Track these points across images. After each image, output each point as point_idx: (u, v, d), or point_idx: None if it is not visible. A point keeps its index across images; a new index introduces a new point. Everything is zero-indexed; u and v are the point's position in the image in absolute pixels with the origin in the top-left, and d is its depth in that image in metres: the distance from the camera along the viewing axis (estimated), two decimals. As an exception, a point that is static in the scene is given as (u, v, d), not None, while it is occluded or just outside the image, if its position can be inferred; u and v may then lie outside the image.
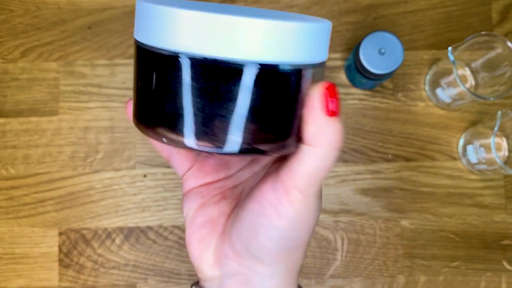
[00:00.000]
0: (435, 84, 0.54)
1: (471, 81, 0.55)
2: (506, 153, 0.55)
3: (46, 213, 0.54)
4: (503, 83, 0.50)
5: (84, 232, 0.54)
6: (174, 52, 0.20)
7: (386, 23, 0.56)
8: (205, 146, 0.21)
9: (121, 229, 0.54)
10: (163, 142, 0.21)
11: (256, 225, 0.23)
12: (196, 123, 0.20)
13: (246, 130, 0.21)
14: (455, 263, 0.54)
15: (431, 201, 0.54)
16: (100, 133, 0.55)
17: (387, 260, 0.54)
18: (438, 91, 0.53)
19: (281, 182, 0.23)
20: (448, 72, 0.51)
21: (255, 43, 0.19)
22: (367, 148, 0.55)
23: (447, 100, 0.53)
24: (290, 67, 0.20)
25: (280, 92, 0.21)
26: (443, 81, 0.52)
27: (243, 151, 0.21)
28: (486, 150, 0.51)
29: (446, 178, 0.55)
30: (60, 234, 0.54)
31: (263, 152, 0.22)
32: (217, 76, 0.20)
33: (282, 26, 0.19)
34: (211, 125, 0.20)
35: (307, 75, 0.22)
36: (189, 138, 0.21)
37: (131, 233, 0.54)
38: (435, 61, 0.56)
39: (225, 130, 0.20)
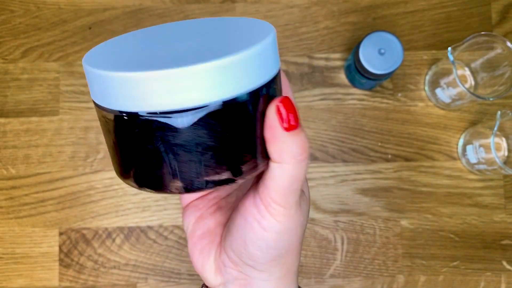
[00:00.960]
0: (434, 84, 0.54)
1: (470, 81, 0.55)
2: (506, 153, 0.55)
3: (46, 213, 0.55)
4: (502, 83, 0.50)
5: (84, 232, 0.54)
6: (129, 112, 0.19)
7: (386, 24, 0.56)
8: (180, 189, 0.21)
9: (121, 229, 0.54)
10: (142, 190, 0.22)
11: (245, 238, 0.24)
12: (167, 174, 0.20)
13: (213, 166, 0.20)
14: (454, 263, 0.54)
15: (430, 201, 0.54)
16: (100, 133, 0.55)
17: (386, 260, 0.54)
18: (438, 91, 0.53)
19: (260, 198, 0.24)
20: (447, 72, 0.51)
21: (197, 89, 0.19)
22: (367, 148, 0.55)
23: (447, 100, 0.53)
24: (241, 97, 0.20)
25: (236, 121, 0.20)
26: (443, 81, 0.52)
27: (217, 184, 0.21)
28: (485, 150, 0.51)
29: (446, 178, 0.55)
30: (61, 234, 0.54)
31: (234, 180, 0.22)
32: (169, 128, 0.19)
33: (224, 64, 0.18)
34: (181, 171, 0.20)
35: (263, 93, 0.21)
36: (166, 188, 0.21)
37: (131, 233, 0.54)
38: (435, 61, 0.56)
39: (194, 173, 0.20)
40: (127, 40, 0.24)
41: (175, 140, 0.19)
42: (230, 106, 0.19)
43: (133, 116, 0.19)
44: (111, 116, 0.20)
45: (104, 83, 0.19)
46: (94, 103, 0.22)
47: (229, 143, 0.20)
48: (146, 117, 0.19)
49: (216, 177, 0.21)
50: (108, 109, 0.20)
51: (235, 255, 0.26)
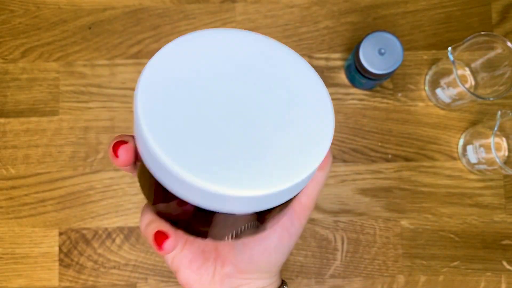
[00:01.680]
0: (435, 84, 0.54)
1: (471, 81, 0.55)
2: (506, 153, 0.55)
3: (46, 213, 0.54)
4: (502, 83, 0.50)
5: (84, 232, 0.54)
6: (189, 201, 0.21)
7: (386, 23, 0.56)
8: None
9: (121, 229, 0.54)
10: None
11: (269, 248, 0.26)
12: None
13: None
14: (455, 263, 0.54)
15: (431, 201, 0.54)
16: (100, 133, 0.55)
17: (387, 260, 0.54)
18: (438, 91, 0.53)
19: (294, 211, 0.27)
20: (448, 72, 0.51)
21: (245, 205, 0.20)
22: (367, 148, 0.55)
23: (447, 100, 0.53)
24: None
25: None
26: (443, 81, 0.52)
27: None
28: (486, 150, 0.51)
29: (446, 178, 0.55)
30: (61, 234, 0.54)
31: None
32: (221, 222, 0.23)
33: (264, 195, 0.20)
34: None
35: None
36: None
37: (131, 233, 0.54)
38: (435, 61, 0.56)
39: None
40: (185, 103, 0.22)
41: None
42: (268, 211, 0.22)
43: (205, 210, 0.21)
44: (189, 206, 0.22)
45: (191, 186, 0.20)
46: (166, 190, 0.22)
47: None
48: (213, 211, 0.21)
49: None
50: (184, 200, 0.21)
51: (251, 264, 0.26)
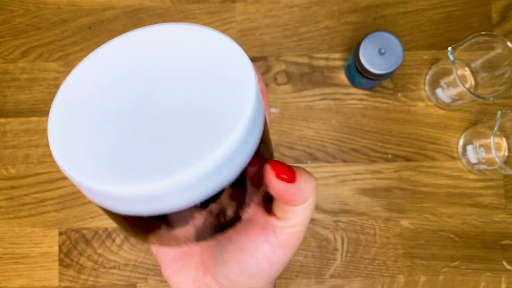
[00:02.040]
0: (435, 84, 0.54)
1: (471, 81, 0.55)
2: (506, 153, 0.55)
3: (46, 213, 0.54)
4: (502, 83, 0.50)
5: (84, 232, 0.54)
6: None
7: (386, 23, 0.56)
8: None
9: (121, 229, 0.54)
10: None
11: (246, 271, 0.25)
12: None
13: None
14: (455, 263, 0.54)
15: (430, 201, 0.54)
16: (100, 133, 0.55)
17: (387, 260, 0.54)
18: (438, 91, 0.53)
19: (276, 234, 0.25)
20: (448, 72, 0.51)
21: (181, 195, 0.18)
22: (367, 148, 0.55)
23: (447, 100, 0.53)
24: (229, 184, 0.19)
25: (230, 198, 0.20)
26: (443, 81, 0.52)
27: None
28: (486, 150, 0.51)
29: (446, 178, 0.55)
30: (60, 234, 0.54)
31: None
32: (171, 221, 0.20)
33: (199, 170, 0.18)
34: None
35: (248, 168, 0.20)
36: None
37: (131, 233, 0.54)
38: (435, 61, 0.56)
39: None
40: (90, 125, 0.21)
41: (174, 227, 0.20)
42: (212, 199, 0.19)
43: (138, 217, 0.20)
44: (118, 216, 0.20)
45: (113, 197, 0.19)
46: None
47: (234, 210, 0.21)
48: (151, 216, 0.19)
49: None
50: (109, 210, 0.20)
51: (229, 282, 0.25)
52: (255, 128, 0.20)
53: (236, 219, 0.22)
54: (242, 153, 0.19)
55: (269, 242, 0.24)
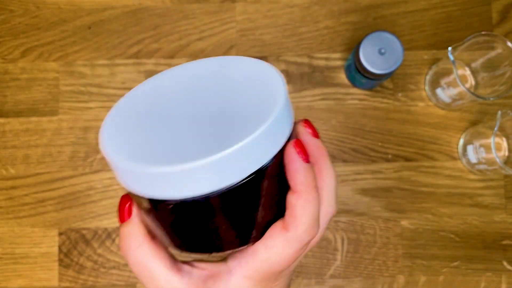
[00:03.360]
0: (435, 84, 0.54)
1: (471, 81, 0.55)
2: (506, 153, 0.55)
3: (46, 213, 0.54)
4: (503, 83, 0.50)
5: (84, 232, 0.54)
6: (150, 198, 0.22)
7: (386, 23, 0.56)
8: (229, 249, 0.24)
9: (121, 229, 0.54)
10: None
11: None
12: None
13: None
14: (455, 263, 0.54)
15: (431, 201, 0.54)
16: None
17: (387, 260, 0.54)
18: (438, 91, 0.53)
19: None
20: (448, 72, 0.51)
21: (211, 179, 0.20)
22: (367, 148, 0.55)
23: (447, 100, 0.53)
24: (255, 173, 0.21)
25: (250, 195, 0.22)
26: (443, 81, 0.52)
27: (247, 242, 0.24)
28: (486, 150, 0.51)
29: (446, 178, 0.55)
30: (60, 234, 0.54)
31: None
32: (196, 211, 0.22)
33: (230, 156, 0.20)
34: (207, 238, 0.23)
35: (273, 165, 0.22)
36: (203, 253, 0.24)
37: (131, 233, 0.54)
38: (435, 61, 0.56)
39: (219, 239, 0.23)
40: (138, 112, 0.25)
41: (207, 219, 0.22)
42: (242, 185, 0.21)
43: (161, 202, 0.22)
44: (146, 202, 0.22)
45: (140, 176, 0.21)
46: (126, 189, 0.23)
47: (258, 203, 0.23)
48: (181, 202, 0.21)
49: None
50: (140, 196, 0.22)
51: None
52: (285, 125, 0.22)
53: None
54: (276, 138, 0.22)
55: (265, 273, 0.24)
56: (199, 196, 0.20)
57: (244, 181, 0.21)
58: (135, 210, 0.24)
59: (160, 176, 0.20)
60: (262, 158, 0.21)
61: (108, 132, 0.23)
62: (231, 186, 0.21)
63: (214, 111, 0.23)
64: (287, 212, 0.23)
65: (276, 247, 0.23)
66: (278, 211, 0.23)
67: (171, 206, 0.21)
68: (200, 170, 0.19)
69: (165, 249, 0.25)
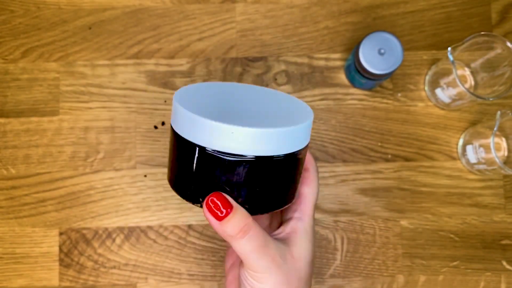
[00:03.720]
0: (434, 84, 0.54)
1: (470, 81, 0.55)
2: (506, 153, 0.55)
3: (46, 213, 0.55)
4: (502, 83, 0.50)
5: (84, 232, 0.54)
6: (198, 145, 0.28)
7: (386, 24, 0.56)
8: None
9: (121, 229, 0.54)
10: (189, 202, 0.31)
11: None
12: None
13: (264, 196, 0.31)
14: (454, 263, 0.54)
15: (430, 201, 0.54)
16: (100, 133, 0.55)
17: (386, 259, 0.54)
18: (438, 91, 0.53)
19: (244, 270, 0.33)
20: (447, 72, 0.51)
21: (252, 144, 0.28)
22: (367, 148, 0.55)
23: (447, 100, 0.53)
24: (282, 156, 0.29)
25: (276, 171, 0.30)
26: (443, 81, 0.52)
27: (274, 208, 0.32)
28: (485, 150, 0.51)
29: (446, 178, 0.55)
30: (61, 234, 0.54)
31: (280, 207, 0.32)
32: (228, 164, 0.28)
33: (272, 133, 0.28)
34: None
35: (296, 155, 0.30)
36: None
37: (131, 233, 0.54)
38: (435, 61, 0.56)
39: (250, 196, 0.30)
40: (211, 89, 0.34)
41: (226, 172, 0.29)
42: (273, 160, 0.29)
43: (215, 151, 0.28)
44: (194, 148, 0.29)
45: (196, 125, 0.28)
46: (178, 134, 0.30)
47: (272, 183, 0.31)
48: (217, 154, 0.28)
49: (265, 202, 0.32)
50: (193, 143, 0.28)
51: None
52: (303, 136, 0.31)
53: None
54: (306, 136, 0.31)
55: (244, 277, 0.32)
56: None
57: (299, 151, 0.30)
58: (230, 199, 0.29)
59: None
60: (304, 142, 0.31)
61: (182, 92, 0.32)
62: (295, 152, 0.30)
63: (264, 107, 0.32)
64: (305, 175, 0.36)
65: (312, 183, 0.35)
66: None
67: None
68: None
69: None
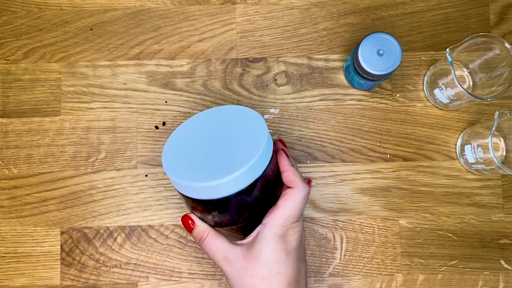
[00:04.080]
0: (433, 84, 0.54)
1: (468, 81, 0.56)
2: (504, 153, 0.55)
3: (48, 212, 0.55)
4: (500, 83, 0.50)
5: (86, 231, 0.55)
6: (186, 196, 0.43)
7: (385, 25, 0.57)
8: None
9: (122, 228, 0.55)
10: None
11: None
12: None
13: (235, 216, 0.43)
14: (453, 262, 0.54)
15: (429, 201, 0.55)
16: (102, 133, 0.56)
17: (385, 258, 0.54)
18: (436, 91, 0.54)
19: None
20: (446, 73, 0.51)
21: (230, 187, 0.40)
22: (366, 148, 0.55)
23: (445, 101, 0.53)
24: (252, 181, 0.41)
25: (233, 203, 0.42)
26: (441, 82, 0.52)
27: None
28: (483, 150, 0.51)
29: (444, 178, 0.55)
30: (62, 233, 0.55)
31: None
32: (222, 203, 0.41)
33: (241, 175, 0.39)
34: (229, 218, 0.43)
35: (245, 190, 0.41)
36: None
37: (132, 232, 0.55)
38: (433, 62, 0.56)
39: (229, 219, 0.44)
40: (184, 132, 0.48)
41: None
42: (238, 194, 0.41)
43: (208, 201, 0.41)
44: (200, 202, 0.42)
45: (181, 186, 0.42)
46: (184, 195, 0.43)
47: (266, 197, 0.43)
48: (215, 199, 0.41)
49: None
50: (197, 199, 0.42)
51: None
52: (266, 156, 0.42)
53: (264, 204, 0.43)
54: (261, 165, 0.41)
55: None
56: (231, 195, 0.40)
57: (252, 182, 0.41)
58: (194, 218, 0.44)
59: (214, 187, 0.40)
60: (261, 168, 0.41)
61: (166, 160, 0.44)
62: (248, 185, 0.40)
63: (225, 144, 0.43)
64: (285, 181, 0.43)
65: (289, 198, 0.42)
66: (272, 201, 0.44)
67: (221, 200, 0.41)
68: (231, 181, 0.39)
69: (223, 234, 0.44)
